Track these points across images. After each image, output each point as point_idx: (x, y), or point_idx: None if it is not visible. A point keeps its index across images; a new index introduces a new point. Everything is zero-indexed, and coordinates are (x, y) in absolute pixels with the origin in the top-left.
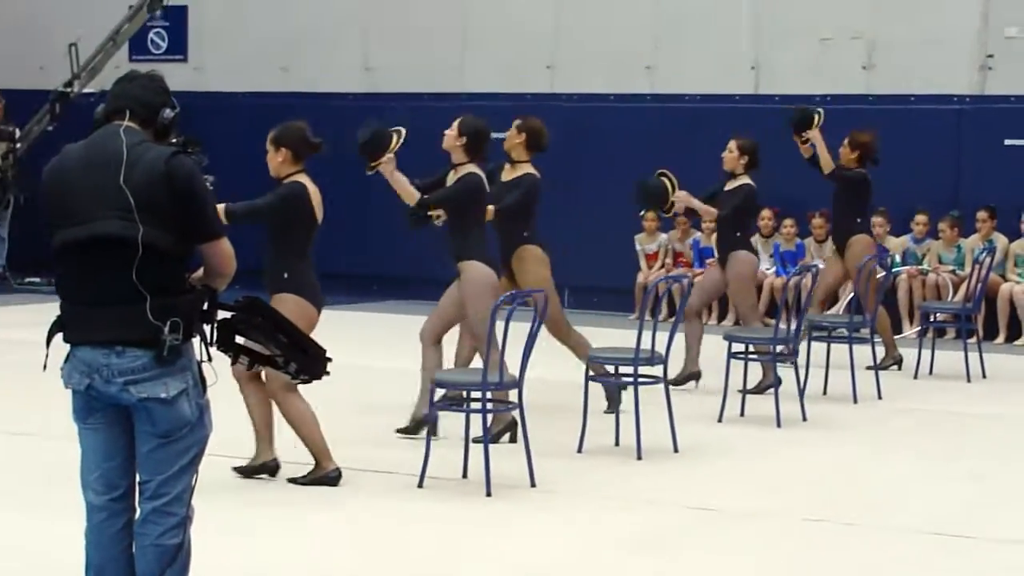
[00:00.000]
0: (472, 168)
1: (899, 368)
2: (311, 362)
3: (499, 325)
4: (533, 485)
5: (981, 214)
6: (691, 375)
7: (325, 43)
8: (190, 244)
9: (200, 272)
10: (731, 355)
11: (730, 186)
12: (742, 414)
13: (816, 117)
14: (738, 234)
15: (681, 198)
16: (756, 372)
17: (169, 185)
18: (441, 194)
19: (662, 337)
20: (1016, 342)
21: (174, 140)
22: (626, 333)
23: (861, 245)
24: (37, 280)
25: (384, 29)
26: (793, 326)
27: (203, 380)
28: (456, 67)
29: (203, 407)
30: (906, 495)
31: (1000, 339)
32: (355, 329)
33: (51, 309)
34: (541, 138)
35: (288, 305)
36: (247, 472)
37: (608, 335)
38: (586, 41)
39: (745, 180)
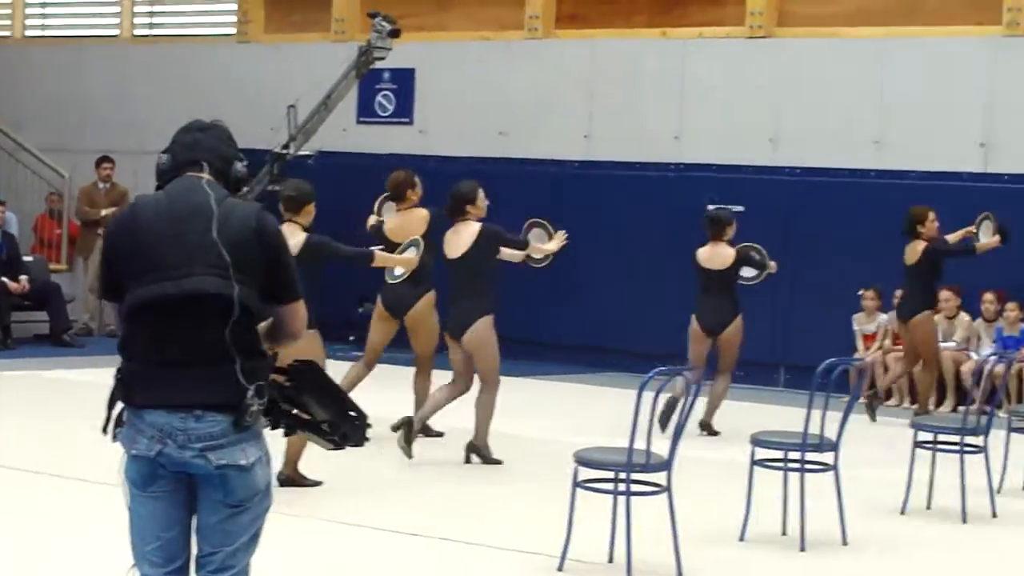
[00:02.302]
0: None
1: None
2: (355, 429)
3: (647, 397)
4: (680, 575)
5: None
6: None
7: (544, 110)
8: (270, 304)
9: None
10: (917, 444)
11: None
12: (928, 507)
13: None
14: None
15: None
16: (943, 463)
17: (260, 242)
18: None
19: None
20: None
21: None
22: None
23: None
24: None
25: (604, 97)
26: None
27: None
28: (674, 137)
29: (270, 476)
30: None
31: None
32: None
33: None
34: None
35: None
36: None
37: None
38: (809, 114)
39: None
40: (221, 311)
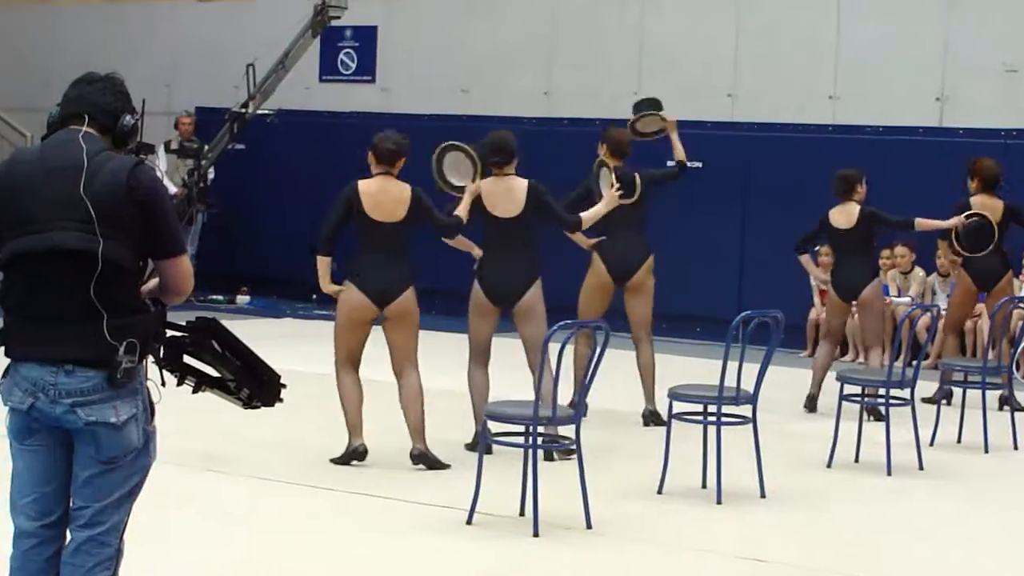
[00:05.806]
0: None
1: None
2: (264, 389)
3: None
4: (589, 527)
5: None
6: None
7: (505, 67)
8: (148, 260)
9: (151, 286)
10: (843, 397)
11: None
12: (856, 460)
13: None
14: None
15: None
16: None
17: (131, 197)
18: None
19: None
20: None
21: (130, 147)
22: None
23: None
24: (220, 298)
25: (564, 54)
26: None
27: (152, 405)
28: (632, 93)
29: (150, 434)
30: (980, 557)
31: None
32: None
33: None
34: None
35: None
36: (341, 460)
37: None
38: (768, 69)
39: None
40: (85, 267)
